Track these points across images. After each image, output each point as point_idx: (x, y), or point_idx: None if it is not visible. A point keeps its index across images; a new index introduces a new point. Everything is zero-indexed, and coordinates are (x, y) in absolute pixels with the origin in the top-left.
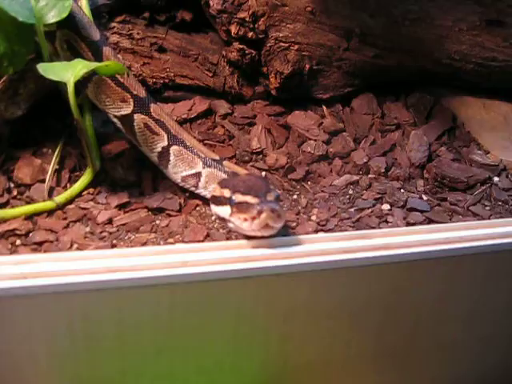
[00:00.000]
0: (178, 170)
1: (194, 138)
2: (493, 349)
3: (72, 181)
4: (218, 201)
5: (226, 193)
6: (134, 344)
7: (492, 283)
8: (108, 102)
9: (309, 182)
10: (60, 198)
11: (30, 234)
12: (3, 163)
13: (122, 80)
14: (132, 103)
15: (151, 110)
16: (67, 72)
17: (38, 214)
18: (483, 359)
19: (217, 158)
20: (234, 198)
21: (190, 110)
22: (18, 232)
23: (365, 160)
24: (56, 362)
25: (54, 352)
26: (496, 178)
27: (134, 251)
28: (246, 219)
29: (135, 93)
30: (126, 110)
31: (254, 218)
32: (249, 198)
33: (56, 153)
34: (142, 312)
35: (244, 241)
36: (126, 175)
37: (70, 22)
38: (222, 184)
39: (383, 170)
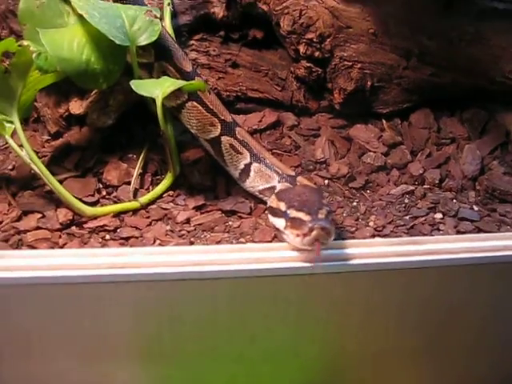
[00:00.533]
0: (256, 184)
1: (273, 155)
2: None
3: (154, 184)
4: (275, 212)
5: (282, 206)
6: (210, 329)
7: None
8: (199, 126)
9: (368, 191)
10: (144, 198)
11: (118, 230)
12: (94, 166)
13: (211, 107)
14: (219, 127)
15: (236, 133)
16: (156, 89)
17: (124, 212)
18: None
19: (292, 174)
20: (288, 212)
21: (260, 121)
22: (107, 228)
23: (420, 171)
24: (143, 343)
25: (142, 334)
26: None
27: (214, 248)
28: (298, 235)
29: (222, 118)
30: (214, 133)
31: (305, 235)
32: (302, 215)
33: (140, 158)
34: (216, 302)
35: None
36: (202, 180)
37: (166, 55)
38: (279, 196)
39: (437, 182)
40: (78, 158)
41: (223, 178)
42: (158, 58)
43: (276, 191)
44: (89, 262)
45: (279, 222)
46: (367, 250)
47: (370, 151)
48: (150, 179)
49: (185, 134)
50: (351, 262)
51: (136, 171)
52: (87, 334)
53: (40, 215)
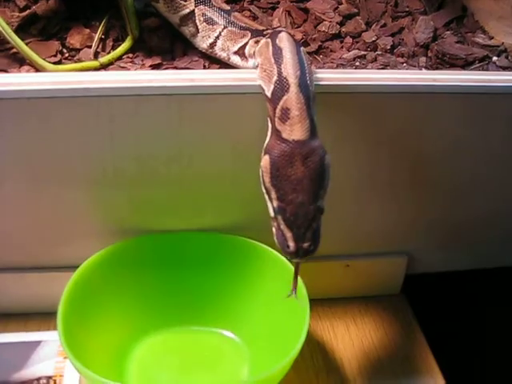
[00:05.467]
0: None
1: None
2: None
3: (115, 48)
4: (266, 190)
5: (273, 196)
6: (150, 149)
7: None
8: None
9: (321, 56)
10: (103, 59)
11: None
12: (58, 32)
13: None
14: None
15: None
16: None
17: (85, 70)
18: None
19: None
20: (277, 212)
21: None
22: None
23: (373, 39)
24: (87, 160)
25: (85, 152)
26: (495, 58)
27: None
28: (279, 247)
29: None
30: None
31: (287, 254)
32: (288, 236)
33: (102, 24)
34: (156, 120)
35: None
36: (160, 43)
37: None
38: (272, 176)
39: (389, 48)
40: (43, 26)
41: (182, 43)
42: None
43: (269, 154)
44: (39, 79)
45: (269, 207)
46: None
47: (325, 21)
48: (111, 44)
49: (148, 8)
50: None
51: (97, 35)
52: (34, 156)
53: (4, 73)
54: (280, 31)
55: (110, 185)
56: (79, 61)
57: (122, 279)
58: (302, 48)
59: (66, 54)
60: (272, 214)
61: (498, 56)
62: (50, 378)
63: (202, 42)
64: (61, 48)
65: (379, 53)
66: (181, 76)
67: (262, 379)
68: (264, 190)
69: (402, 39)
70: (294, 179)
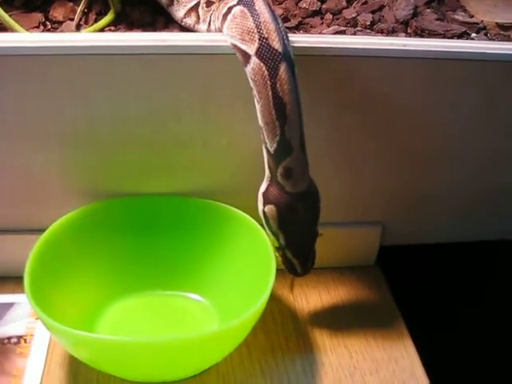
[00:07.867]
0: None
1: None
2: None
3: (97, 21)
4: (273, 232)
5: (281, 237)
6: (122, 110)
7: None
8: None
9: (301, 31)
10: (85, 30)
11: None
12: (41, 5)
13: None
14: None
15: None
16: None
17: None
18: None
19: None
20: (285, 250)
21: None
22: None
23: (354, 15)
24: (59, 120)
25: (58, 112)
26: (473, 34)
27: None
28: (287, 269)
29: None
30: None
31: (294, 275)
32: (296, 263)
33: None
34: (128, 80)
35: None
36: (142, 17)
37: None
38: (279, 226)
39: (369, 24)
40: None
41: (163, 17)
42: None
43: (274, 204)
44: (12, 38)
45: (274, 241)
46: None
47: None
48: (93, 17)
49: None
50: None
51: (80, 8)
52: (7, 115)
53: None
54: (279, 59)
55: (82, 146)
56: (62, 33)
57: (92, 241)
58: (295, 69)
59: (49, 26)
60: (278, 246)
61: (477, 33)
62: (20, 337)
63: (204, 26)
64: (44, 20)
65: (359, 29)
66: (153, 37)
67: (225, 329)
68: (269, 232)
69: (383, 16)
70: (299, 223)
